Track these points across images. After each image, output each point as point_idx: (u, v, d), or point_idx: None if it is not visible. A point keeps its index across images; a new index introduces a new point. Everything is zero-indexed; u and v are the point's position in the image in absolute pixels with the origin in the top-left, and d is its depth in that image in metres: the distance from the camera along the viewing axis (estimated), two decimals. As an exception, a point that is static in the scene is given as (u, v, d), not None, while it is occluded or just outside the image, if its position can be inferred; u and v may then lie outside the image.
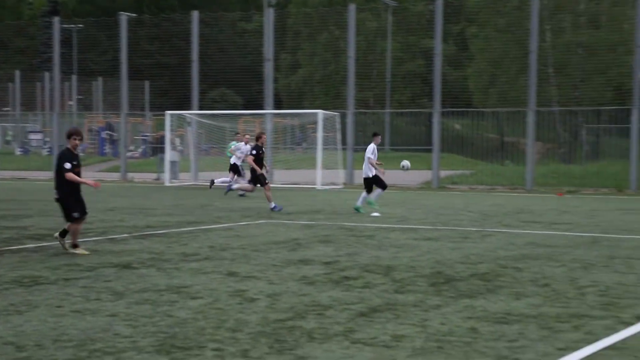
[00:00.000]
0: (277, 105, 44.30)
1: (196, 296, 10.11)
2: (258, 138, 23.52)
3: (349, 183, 36.48)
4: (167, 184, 36.18)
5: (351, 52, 37.71)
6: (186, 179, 37.95)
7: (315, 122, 36.16)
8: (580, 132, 43.67)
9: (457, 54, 58.87)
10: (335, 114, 36.73)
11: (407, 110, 42.87)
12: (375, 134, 22.82)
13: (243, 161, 28.46)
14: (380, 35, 60.46)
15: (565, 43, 50.31)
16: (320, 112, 35.44)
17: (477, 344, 7.82)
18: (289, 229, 18.17)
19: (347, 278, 11.50)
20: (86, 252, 13.67)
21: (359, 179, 37.05)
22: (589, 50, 49.36)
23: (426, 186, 35.26)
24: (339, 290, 10.58)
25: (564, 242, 15.88)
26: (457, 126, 40.15)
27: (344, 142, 37.19)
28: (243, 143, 29.25)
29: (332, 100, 50.93)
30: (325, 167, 35.11)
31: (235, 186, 25.34)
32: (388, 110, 47.52)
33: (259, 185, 22.91)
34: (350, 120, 37.28)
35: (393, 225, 18.92)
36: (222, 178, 30.27)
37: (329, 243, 15.50)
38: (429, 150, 36.08)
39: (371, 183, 21.95)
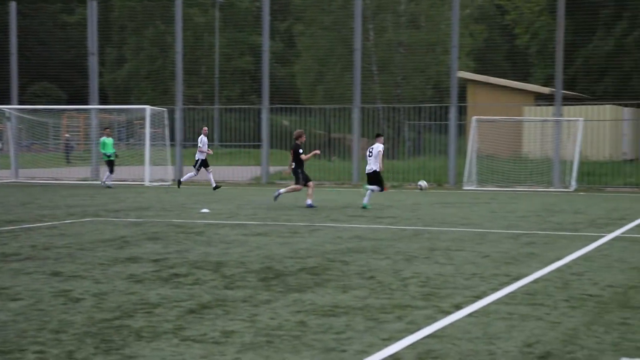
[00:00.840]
0: (103, 101, 43.41)
1: (17, 298, 9.78)
2: (298, 137, 23.41)
3: (175, 180, 36.05)
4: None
5: (179, 47, 37.37)
6: (6, 176, 36.57)
7: (142, 118, 35.60)
8: (402, 129, 44.85)
9: (285, 51, 59.39)
10: (163, 109, 36.33)
11: (236, 106, 42.84)
12: (378, 135, 24.11)
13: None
14: (208, 31, 60.24)
15: (387, 42, 51.54)
16: (147, 108, 34.95)
17: (305, 337, 7.90)
18: (117, 226, 17.83)
19: (176, 275, 11.39)
20: None
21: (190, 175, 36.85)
22: (409, 49, 50.79)
23: (256, 182, 35.39)
24: (168, 287, 10.47)
25: (388, 235, 16.26)
26: (285, 122, 40.47)
27: (172, 138, 36.82)
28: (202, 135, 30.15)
29: (160, 95, 50.35)
30: (154, 163, 34.66)
31: (282, 190, 23.60)
32: (217, 107, 47.37)
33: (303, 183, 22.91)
34: (178, 116, 36.96)
35: (223, 222, 18.88)
36: (189, 174, 31.45)
37: (157, 240, 15.31)
38: (258, 147, 36.22)
39: (374, 178, 22.77)
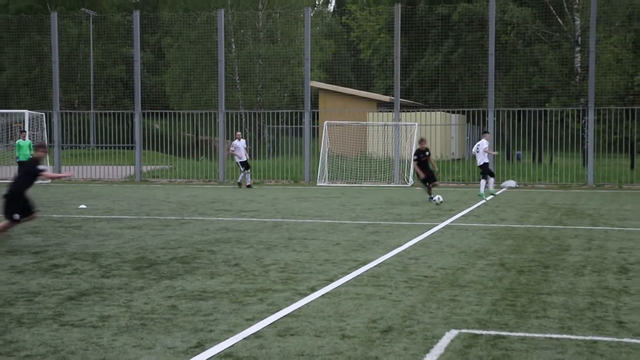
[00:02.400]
0: (-16, 105, 41.63)
1: None
2: (420, 142, 22.81)
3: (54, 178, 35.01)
4: None
5: (55, 57, 36.24)
6: None
7: (21, 121, 34.36)
8: (262, 132, 44.93)
9: (155, 62, 58.54)
10: (41, 114, 35.18)
11: (110, 111, 41.86)
12: (485, 132, 25.07)
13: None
14: (83, 42, 58.72)
15: (247, 54, 51.56)
16: (26, 112, 33.80)
17: (176, 319, 7.83)
18: (-2, 222, 17.14)
19: (56, 266, 11.07)
20: None
21: (69, 174, 35.80)
22: (267, 61, 50.94)
23: (130, 180, 34.71)
24: (48, 277, 10.17)
25: (251, 227, 16.27)
26: (157, 126, 39.87)
27: (50, 140, 35.72)
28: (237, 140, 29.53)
29: (39, 101, 48.73)
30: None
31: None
32: (93, 111, 46.19)
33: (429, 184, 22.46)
34: (56, 119, 35.86)
35: (99, 216, 18.45)
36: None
37: (37, 234, 14.82)
38: (132, 148, 35.55)
39: (484, 169, 23.09)
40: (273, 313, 8.10)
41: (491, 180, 23.58)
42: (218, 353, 6.62)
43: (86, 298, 8.84)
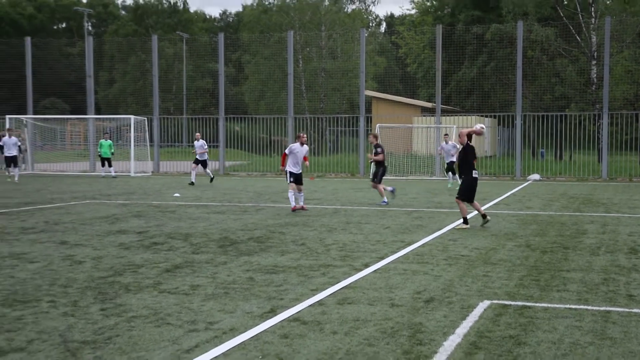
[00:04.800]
0: (98, 112, 42.49)
1: (34, 261, 9.53)
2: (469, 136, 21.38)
3: (155, 171, 35.69)
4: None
5: (155, 71, 36.77)
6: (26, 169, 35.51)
7: (128, 125, 34.99)
8: (325, 133, 44.91)
9: (236, 75, 58.99)
10: (143, 118, 35.75)
11: (199, 116, 42.27)
12: (446, 134, 25.25)
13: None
14: (177, 59, 59.48)
15: (312, 68, 51.58)
16: (132, 117, 34.36)
17: (253, 289, 7.87)
18: (109, 207, 17.50)
19: (155, 243, 11.24)
20: None
21: (163, 168, 36.39)
22: (329, 74, 50.89)
23: (215, 173, 35.07)
24: (149, 253, 10.33)
25: (314, 212, 16.27)
26: (237, 128, 40.08)
27: (151, 139, 36.31)
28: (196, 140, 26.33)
29: (142, 108, 49.57)
30: (137, 159, 34.12)
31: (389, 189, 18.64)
32: (185, 116, 46.78)
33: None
34: (156, 123, 36.41)
35: (190, 203, 18.67)
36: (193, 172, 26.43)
37: (141, 217, 15.07)
38: (217, 146, 35.91)
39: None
40: (333, 285, 8.09)
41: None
42: (288, 317, 6.64)
43: (180, 270, 8.95)
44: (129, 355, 5.45)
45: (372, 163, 19.02)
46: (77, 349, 5.60)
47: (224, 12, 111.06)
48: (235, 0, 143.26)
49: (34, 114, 37.83)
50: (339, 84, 50.85)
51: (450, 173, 24.80)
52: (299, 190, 16.58)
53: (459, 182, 13.64)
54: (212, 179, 27.14)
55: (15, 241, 11.36)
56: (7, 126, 31.37)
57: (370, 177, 19.70)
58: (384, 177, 18.50)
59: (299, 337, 5.98)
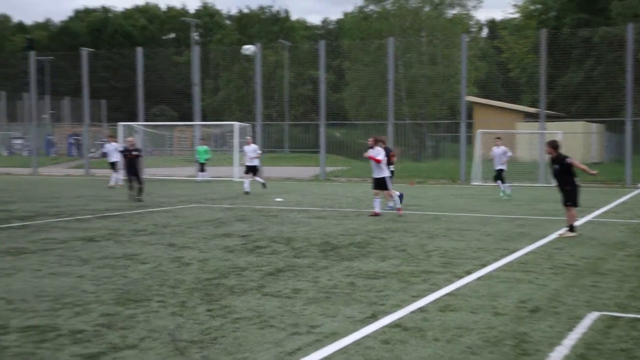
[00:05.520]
0: (204, 118, 43.73)
1: (144, 262, 9.90)
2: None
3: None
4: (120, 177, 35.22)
5: (258, 79, 37.50)
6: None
7: (232, 131, 35.83)
8: (425, 139, 44.52)
9: (336, 81, 59.37)
10: (247, 125, 36.52)
11: (300, 122, 42.90)
12: (498, 138, 23.51)
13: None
14: (279, 67, 60.45)
15: (413, 74, 51.25)
16: (236, 124, 35.18)
17: (354, 293, 7.88)
18: (214, 210, 17.97)
19: (258, 247, 11.44)
20: None
21: (266, 173, 37.02)
22: (429, 79, 50.41)
23: (315, 179, 35.38)
24: (252, 256, 10.52)
25: (415, 218, 16.15)
26: (337, 134, 40.38)
27: (254, 145, 37.02)
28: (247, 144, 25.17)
29: (245, 114, 50.61)
30: (241, 164, 34.87)
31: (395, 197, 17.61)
32: (287, 123, 47.46)
33: None
34: (258, 129, 37.11)
35: (292, 208, 18.91)
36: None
37: (244, 221, 15.39)
38: (317, 152, 36.23)
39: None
40: (434, 291, 7.99)
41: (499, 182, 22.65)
42: (389, 323, 6.60)
43: (282, 274, 9.07)
44: (234, 356, 5.57)
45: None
46: (185, 347, 5.77)
47: (325, 20, 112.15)
48: (336, 8, 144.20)
49: (145, 121, 39.32)
50: (440, 90, 50.28)
51: (499, 181, 22.64)
52: (376, 195, 16.76)
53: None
54: (264, 185, 25.38)
55: (127, 243, 11.84)
56: (120, 133, 32.78)
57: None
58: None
59: (400, 343, 5.93)
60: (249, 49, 15.06)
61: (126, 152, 20.97)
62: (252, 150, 24.71)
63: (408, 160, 42.11)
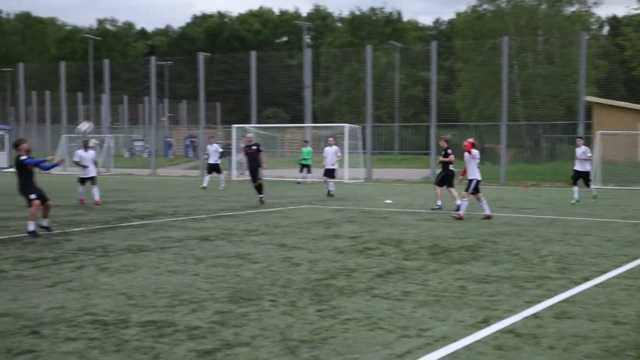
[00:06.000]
0: (314, 120, 44.27)
1: (256, 261, 10.12)
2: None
3: (368, 178, 36.42)
4: (234, 178, 36.20)
5: (368, 80, 37.59)
6: (247, 175, 37.83)
7: (342, 133, 36.09)
8: (540, 140, 43.18)
9: (448, 82, 58.61)
10: (357, 126, 36.67)
11: (410, 124, 42.62)
12: (580, 138, 21.97)
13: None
14: (390, 68, 60.32)
15: (528, 74, 49.87)
16: (346, 126, 35.39)
17: (465, 297, 7.75)
18: (324, 212, 18.14)
19: (367, 249, 11.46)
20: None
21: (376, 175, 37.05)
22: (545, 79, 48.87)
23: (425, 180, 35.05)
24: (362, 257, 10.55)
25: (529, 222, 15.71)
26: (448, 136, 39.80)
27: (364, 147, 37.15)
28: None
29: (355, 116, 50.79)
30: (351, 166, 35.02)
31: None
32: (397, 124, 47.30)
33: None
34: (368, 131, 37.20)
35: (401, 210, 18.82)
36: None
37: (354, 223, 15.45)
38: (427, 154, 35.90)
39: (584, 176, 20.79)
40: (549, 298, 7.74)
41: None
42: (501, 329, 6.45)
43: (391, 276, 9.04)
44: (343, 357, 5.60)
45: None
46: (296, 347, 5.85)
47: (437, 20, 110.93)
48: (449, 8, 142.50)
49: (257, 123, 40.24)
50: (556, 90, 48.60)
51: (575, 187, 21.19)
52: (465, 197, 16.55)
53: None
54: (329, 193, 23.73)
55: (240, 242, 12.14)
56: (233, 135, 33.68)
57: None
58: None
59: (513, 350, 5.78)
60: (83, 125, 16.15)
61: (246, 148, 20.89)
62: (334, 152, 24.35)
63: (522, 162, 40.97)
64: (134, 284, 8.33)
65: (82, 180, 20.18)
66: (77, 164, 20.20)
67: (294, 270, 9.40)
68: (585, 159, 20.98)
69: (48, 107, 67.02)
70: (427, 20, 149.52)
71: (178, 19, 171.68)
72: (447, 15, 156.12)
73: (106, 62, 45.38)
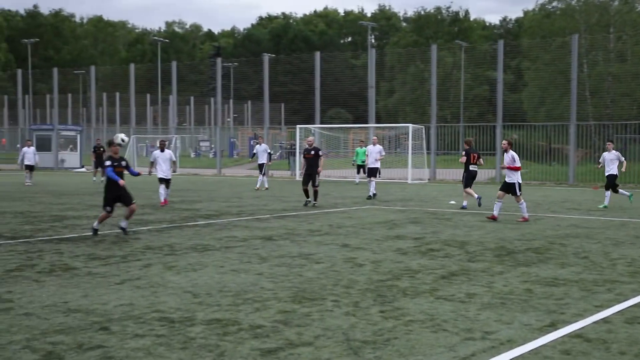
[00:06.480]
0: (378, 121, 44.14)
1: (319, 261, 10.15)
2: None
3: (432, 179, 36.11)
4: (297, 178, 36.43)
5: (433, 80, 37.30)
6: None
7: (406, 133, 35.89)
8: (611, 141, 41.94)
9: (514, 82, 57.61)
10: (421, 127, 36.41)
11: (475, 124, 42.01)
12: (610, 141, 21.27)
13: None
14: (455, 68, 59.68)
15: (598, 73, 48.60)
16: (410, 126, 35.18)
17: (531, 300, 7.60)
18: (387, 212, 18.08)
19: (431, 250, 11.36)
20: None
21: (440, 176, 36.71)
22: (617, 78, 47.53)
23: (491, 181, 34.54)
24: (425, 259, 10.47)
25: (598, 224, 15.31)
26: (515, 136, 39.05)
27: (428, 148, 36.84)
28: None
29: (419, 116, 50.48)
30: (414, 166, 34.80)
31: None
32: (461, 124, 46.74)
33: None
34: (433, 131, 36.90)
35: (466, 211, 18.59)
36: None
37: (417, 223, 15.35)
38: (493, 154, 35.37)
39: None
40: (621, 302, 7.51)
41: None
42: (569, 333, 6.30)
43: (455, 278, 8.94)
44: (406, 358, 5.57)
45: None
46: (359, 347, 5.85)
47: (504, 19, 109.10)
48: (516, 6, 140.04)
49: (320, 123, 40.38)
50: (629, 89, 47.17)
51: (608, 191, 20.04)
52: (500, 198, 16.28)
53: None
54: (372, 196, 22.90)
55: (303, 242, 12.21)
56: (297, 135, 33.89)
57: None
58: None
59: (582, 355, 5.64)
60: (117, 137, 14.82)
61: (305, 152, 19.90)
62: (377, 151, 23.85)
63: (591, 163, 39.93)
64: (199, 283, 8.47)
65: (163, 181, 19.66)
66: (153, 164, 19.74)
67: (357, 270, 9.40)
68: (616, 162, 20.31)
69: (117, 108, 68.85)
70: (493, 19, 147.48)
71: (244, 21, 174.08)
72: (515, 13, 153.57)
73: (173, 64, 46.30)
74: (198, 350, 5.71)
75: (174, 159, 20.15)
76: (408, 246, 11.75)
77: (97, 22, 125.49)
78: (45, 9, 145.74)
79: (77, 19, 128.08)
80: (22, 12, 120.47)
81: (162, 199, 19.61)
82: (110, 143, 13.12)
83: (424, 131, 36.15)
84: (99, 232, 13.03)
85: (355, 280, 8.71)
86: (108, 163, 12.84)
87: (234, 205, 20.01)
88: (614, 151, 20.50)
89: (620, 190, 20.44)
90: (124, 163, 13.08)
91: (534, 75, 51.01)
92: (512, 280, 8.73)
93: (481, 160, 19.31)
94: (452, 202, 21.15)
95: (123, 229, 13.15)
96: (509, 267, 9.75)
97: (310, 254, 10.77)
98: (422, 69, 57.29)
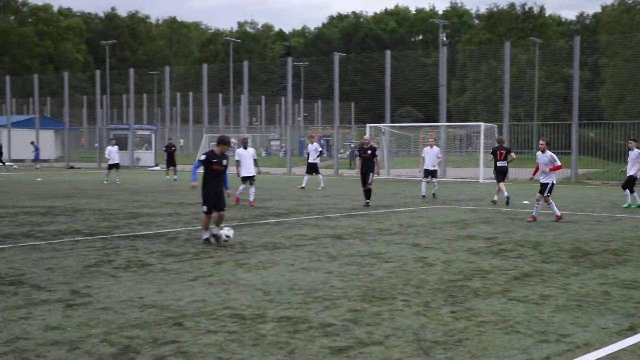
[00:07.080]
0: (449, 119, 43.63)
1: (389, 260, 10.12)
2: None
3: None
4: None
5: (506, 78, 36.62)
6: (380, 174, 37.93)
7: (478, 132, 35.37)
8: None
9: (591, 79, 56.07)
10: (493, 125, 35.82)
11: (550, 122, 41.06)
12: (634, 140, 19.91)
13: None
14: (529, 65, 58.48)
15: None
16: (482, 124, 34.66)
17: (609, 303, 7.39)
18: (459, 212, 17.86)
19: (503, 250, 11.17)
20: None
21: (513, 175, 35.98)
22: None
23: (566, 181, 33.69)
24: (497, 259, 10.30)
25: (680, 226, 14.73)
26: (592, 134, 38.02)
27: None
28: None
29: (492, 115, 49.70)
30: (486, 165, 34.27)
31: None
32: (535, 123, 45.76)
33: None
34: (505, 130, 36.23)
35: (541, 211, 18.16)
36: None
37: (489, 223, 15.11)
38: (568, 154, 34.49)
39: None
40: None
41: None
42: (649, 338, 6.09)
43: (529, 279, 8.76)
44: None
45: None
46: (430, 348, 5.80)
47: (581, 15, 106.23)
48: (593, 2, 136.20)
49: (391, 122, 40.21)
50: None
51: (627, 190, 19.26)
52: (539, 201, 15.81)
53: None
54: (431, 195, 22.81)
55: (373, 241, 12.19)
56: (367, 134, 33.76)
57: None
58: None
59: (662, 362, 5.45)
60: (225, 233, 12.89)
61: (361, 151, 19.47)
62: (435, 153, 23.11)
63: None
64: (270, 280, 8.56)
65: (245, 179, 19.69)
66: (239, 163, 19.54)
67: (427, 270, 9.32)
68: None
69: (191, 107, 70.22)
70: (569, 14, 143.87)
71: (314, 20, 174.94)
72: (592, 9, 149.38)
73: (245, 64, 46.90)
74: (269, 348, 5.77)
75: (255, 156, 20.05)
76: (480, 246, 11.58)
77: (172, 23, 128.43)
78: (122, 11, 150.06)
79: (153, 20, 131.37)
80: (100, 14, 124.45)
81: (237, 195, 19.71)
82: (222, 141, 11.86)
83: (496, 130, 35.55)
84: (211, 239, 11.73)
85: (426, 280, 8.64)
86: (203, 157, 11.57)
87: (303, 203, 20.13)
88: (636, 150, 19.29)
89: (630, 193, 19.20)
90: (224, 162, 11.75)
91: (612, 72, 49.57)
92: (589, 282, 8.50)
93: (512, 154, 20.94)
94: (526, 202, 20.72)
95: (217, 236, 11.62)
96: (585, 268, 9.49)
97: (380, 253, 10.74)
98: (495, 67, 56.36)
